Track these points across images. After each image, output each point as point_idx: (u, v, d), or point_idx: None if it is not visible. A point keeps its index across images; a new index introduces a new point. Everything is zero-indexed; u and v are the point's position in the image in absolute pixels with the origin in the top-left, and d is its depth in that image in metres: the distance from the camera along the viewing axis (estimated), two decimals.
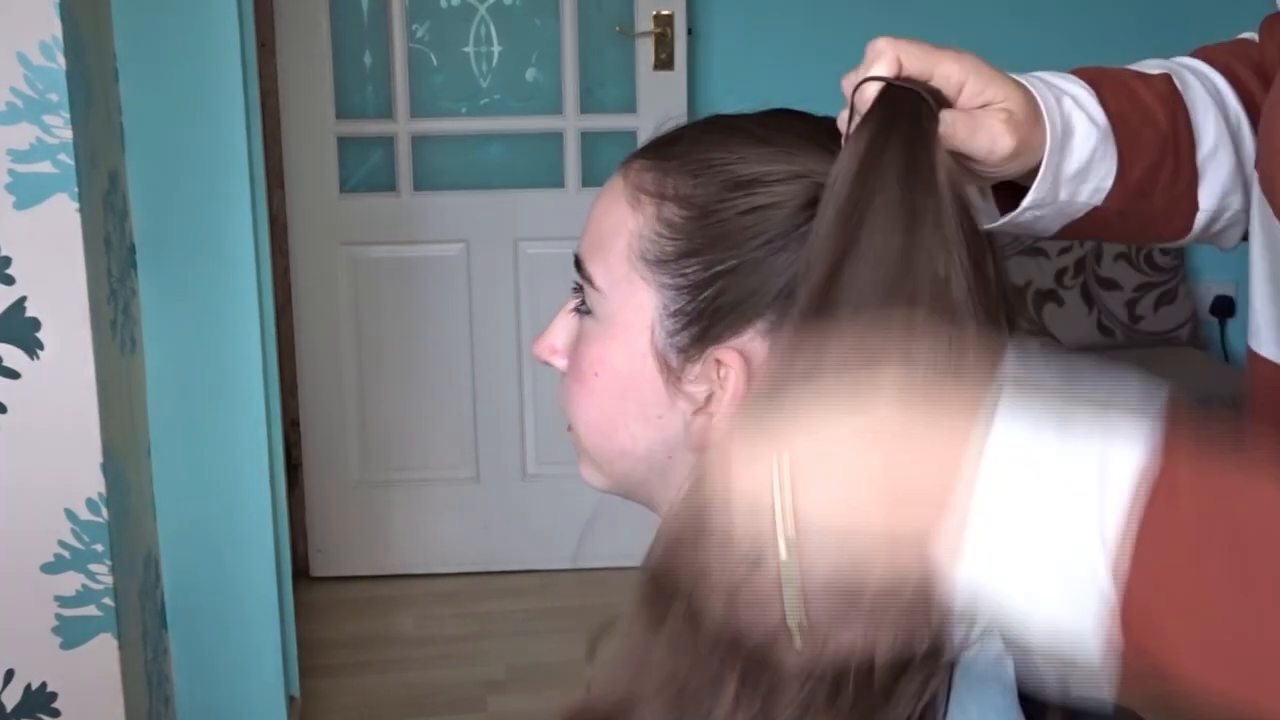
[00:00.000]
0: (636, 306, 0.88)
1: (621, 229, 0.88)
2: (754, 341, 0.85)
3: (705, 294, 0.85)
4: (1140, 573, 0.59)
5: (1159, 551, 0.59)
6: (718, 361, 0.85)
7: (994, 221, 0.91)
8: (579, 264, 0.91)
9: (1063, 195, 0.89)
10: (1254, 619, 0.58)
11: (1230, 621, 0.58)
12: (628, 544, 3.64)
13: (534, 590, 3.50)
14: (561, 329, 0.94)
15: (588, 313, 0.91)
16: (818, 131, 0.87)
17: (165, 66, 2.33)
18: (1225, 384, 3.22)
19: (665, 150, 0.89)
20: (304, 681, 2.90)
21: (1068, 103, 0.88)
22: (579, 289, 0.91)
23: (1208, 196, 0.96)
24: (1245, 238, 1.01)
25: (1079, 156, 0.88)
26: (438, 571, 3.57)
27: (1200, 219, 0.97)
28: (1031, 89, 0.85)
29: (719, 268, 0.85)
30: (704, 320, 0.86)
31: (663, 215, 0.87)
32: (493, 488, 3.57)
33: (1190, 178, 0.95)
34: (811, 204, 0.83)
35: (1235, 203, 0.97)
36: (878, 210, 0.75)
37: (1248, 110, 0.98)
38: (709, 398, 0.86)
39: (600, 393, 0.90)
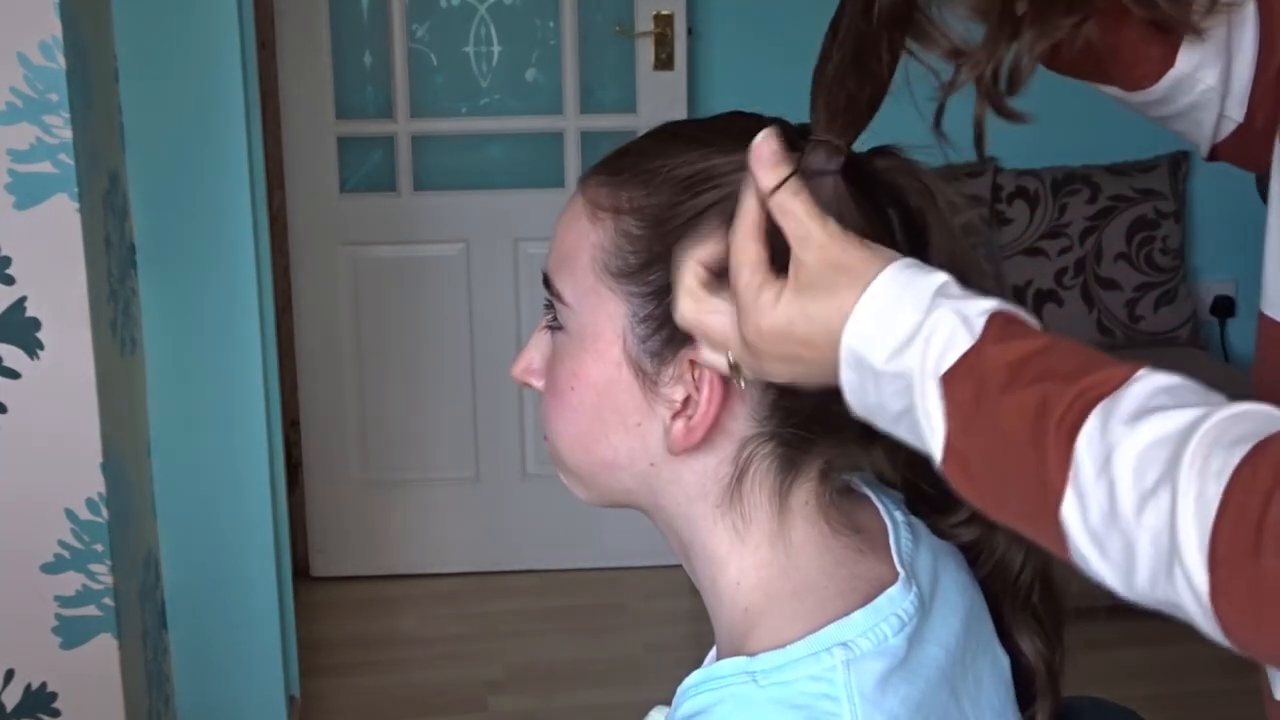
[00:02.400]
0: (606, 317, 0.89)
1: (584, 243, 0.90)
2: None
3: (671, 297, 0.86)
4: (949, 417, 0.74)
5: (954, 406, 0.73)
6: (691, 363, 0.87)
7: None
8: (547, 281, 0.92)
9: None
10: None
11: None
12: (628, 544, 3.66)
13: (534, 590, 3.50)
14: (536, 348, 0.95)
15: (560, 328, 0.92)
16: (759, 130, 0.87)
17: (165, 66, 2.33)
18: (1226, 384, 3.21)
19: (616, 164, 0.91)
20: (304, 681, 2.90)
21: None
22: (550, 306, 0.93)
23: (1186, 60, 0.94)
24: (1212, 156, 0.99)
25: None
26: (438, 571, 3.57)
27: (1168, 77, 0.95)
28: None
29: None
30: (673, 323, 0.86)
31: (621, 228, 0.89)
32: (493, 488, 3.57)
33: (1178, 23, 0.93)
34: None
35: (1209, 78, 0.95)
36: None
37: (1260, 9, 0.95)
38: (686, 400, 0.87)
39: (577, 406, 0.90)
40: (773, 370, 0.81)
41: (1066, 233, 3.56)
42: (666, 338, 0.87)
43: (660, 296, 0.87)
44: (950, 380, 0.73)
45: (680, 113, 3.31)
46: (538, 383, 0.94)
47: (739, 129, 0.88)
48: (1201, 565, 0.63)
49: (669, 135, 0.91)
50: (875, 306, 0.76)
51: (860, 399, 0.78)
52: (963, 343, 0.73)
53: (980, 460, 0.73)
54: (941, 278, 0.76)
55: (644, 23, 3.35)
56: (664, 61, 3.36)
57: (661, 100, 3.35)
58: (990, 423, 0.72)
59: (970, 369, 0.73)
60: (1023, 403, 0.71)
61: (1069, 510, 0.68)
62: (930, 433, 0.74)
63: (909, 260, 0.77)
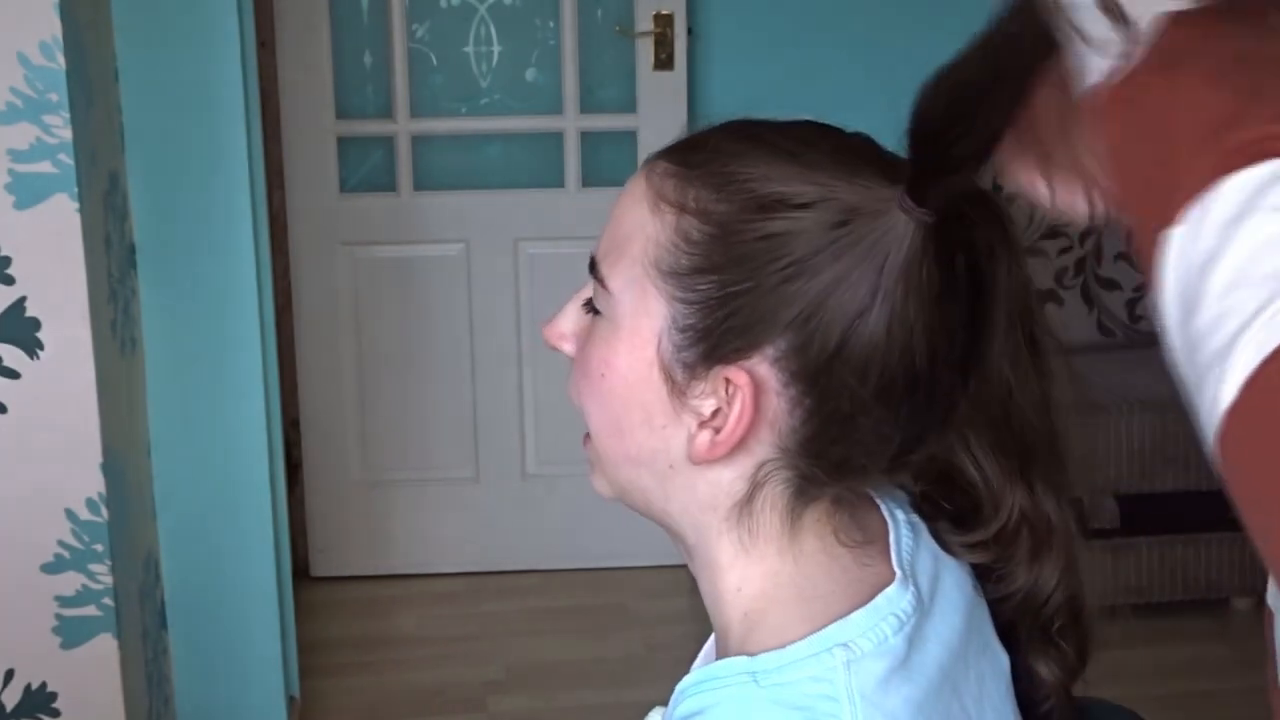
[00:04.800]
0: (646, 314, 0.87)
1: (639, 233, 0.87)
2: (762, 365, 0.84)
3: (717, 313, 0.84)
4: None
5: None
6: (727, 380, 0.84)
7: None
8: (593, 265, 0.90)
9: None
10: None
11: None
12: (628, 544, 3.65)
13: (534, 590, 3.50)
14: (571, 317, 0.93)
15: (598, 312, 0.90)
16: (844, 150, 0.86)
17: (165, 66, 2.33)
18: None
19: (689, 156, 0.87)
20: (304, 681, 2.90)
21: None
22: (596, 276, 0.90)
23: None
24: None
25: None
26: (438, 571, 3.56)
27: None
28: None
29: (733, 288, 0.84)
30: (712, 339, 0.85)
31: (681, 227, 0.85)
32: (493, 488, 3.57)
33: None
34: (832, 229, 0.82)
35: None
36: None
37: None
38: (715, 413, 0.85)
39: (607, 394, 0.89)
40: None
41: (1066, 232, 3.56)
42: (703, 352, 0.85)
43: (704, 310, 0.84)
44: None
45: (680, 113, 3.31)
46: (569, 348, 0.92)
47: (820, 147, 0.85)
48: (1240, 378, 0.63)
49: (749, 138, 0.86)
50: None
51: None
52: None
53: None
54: None
55: (644, 23, 3.34)
56: (664, 61, 3.35)
57: (661, 100, 3.34)
58: None
59: None
60: None
61: None
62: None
63: None
